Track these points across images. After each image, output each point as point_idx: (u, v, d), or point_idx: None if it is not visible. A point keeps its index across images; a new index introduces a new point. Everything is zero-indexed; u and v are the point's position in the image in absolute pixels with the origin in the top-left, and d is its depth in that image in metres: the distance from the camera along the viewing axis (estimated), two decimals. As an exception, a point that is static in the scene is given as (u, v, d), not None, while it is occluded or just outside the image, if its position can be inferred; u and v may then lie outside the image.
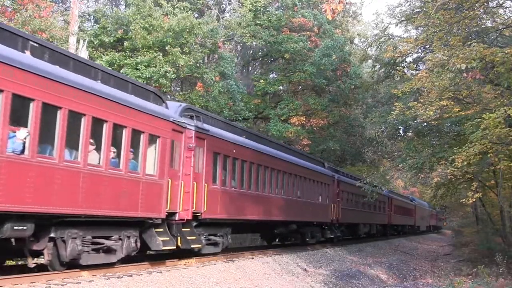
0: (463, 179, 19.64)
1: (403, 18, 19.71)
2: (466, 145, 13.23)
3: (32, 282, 9.12)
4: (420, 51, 20.14)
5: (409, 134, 23.56)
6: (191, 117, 14.06)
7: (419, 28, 19.01)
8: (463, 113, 15.14)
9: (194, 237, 13.84)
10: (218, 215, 14.97)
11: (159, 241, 12.23)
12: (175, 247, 12.91)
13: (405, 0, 19.51)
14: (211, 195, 14.44)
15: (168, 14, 24.75)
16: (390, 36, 22.98)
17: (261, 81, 33.09)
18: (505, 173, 18.30)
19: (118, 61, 22.60)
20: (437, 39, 14.79)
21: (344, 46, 31.70)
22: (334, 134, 33.24)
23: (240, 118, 28.85)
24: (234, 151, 16.09)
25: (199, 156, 14.03)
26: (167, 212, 12.52)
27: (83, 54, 19.83)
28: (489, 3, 15.52)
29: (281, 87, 34.08)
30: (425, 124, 19.70)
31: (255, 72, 38.74)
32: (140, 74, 21.81)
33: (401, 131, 24.52)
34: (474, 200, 16.36)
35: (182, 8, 25.32)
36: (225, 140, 15.69)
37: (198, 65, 24.45)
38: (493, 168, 17.34)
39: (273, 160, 19.43)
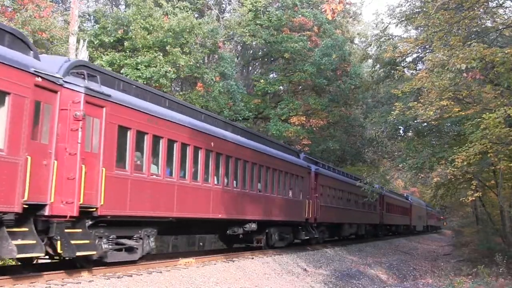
0: (463, 179, 19.64)
1: (403, 18, 19.70)
2: (466, 145, 13.23)
3: (32, 282, 9.12)
4: (420, 51, 20.13)
5: (409, 134, 23.56)
6: (83, 76, 10.28)
7: (419, 28, 19.01)
8: (463, 113, 15.13)
9: (86, 241, 10.20)
10: (127, 211, 11.23)
11: (12, 246, 8.42)
12: (43, 254, 9.42)
13: (405, 0, 19.50)
14: (115, 184, 10.79)
15: (168, 14, 24.75)
16: (390, 36, 22.97)
17: (261, 81, 33.09)
18: (505, 173, 18.30)
19: (118, 61, 22.60)
20: (437, 39, 14.78)
21: (344, 45, 31.68)
22: (334, 134, 33.23)
23: (240, 118, 28.84)
24: (156, 125, 12.28)
25: (93, 129, 10.30)
26: (26, 204, 8.75)
27: (83, 54, 19.84)
28: (489, 3, 15.52)
29: (281, 87, 34.09)
30: (425, 124, 19.69)
31: (255, 72, 38.74)
32: (140, 74, 21.81)
33: (401, 131, 24.51)
34: (473, 198, 16.36)
35: (182, 8, 25.32)
36: (141, 111, 11.75)
37: (198, 65, 24.46)
38: (493, 168, 17.34)
39: (221, 144, 15.54)
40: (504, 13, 16.95)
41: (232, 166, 16.40)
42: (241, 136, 17.73)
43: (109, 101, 10.76)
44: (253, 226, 17.59)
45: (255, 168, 18.03)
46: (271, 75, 35.66)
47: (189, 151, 13.81)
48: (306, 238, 23.11)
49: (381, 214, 38.13)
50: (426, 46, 18.44)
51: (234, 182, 16.45)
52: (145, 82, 21.67)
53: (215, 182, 15.26)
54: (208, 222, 15.62)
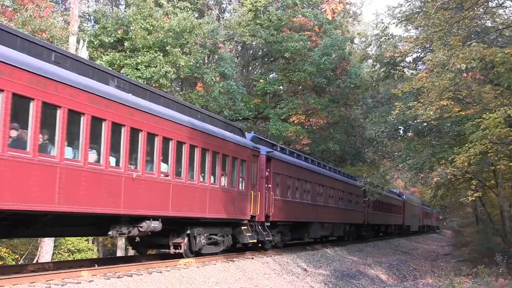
0: (463, 179, 19.67)
1: (403, 18, 19.71)
2: (466, 145, 13.24)
3: (32, 282, 9.12)
4: (420, 51, 20.16)
5: (409, 134, 23.56)
6: None
7: (419, 28, 19.02)
8: (463, 113, 15.15)
9: None
10: None
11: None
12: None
13: (405, 0, 19.51)
14: None
15: (168, 14, 24.76)
16: (390, 36, 22.98)
17: (261, 81, 33.11)
18: (505, 173, 18.33)
19: (118, 61, 22.61)
20: (437, 39, 14.80)
21: (344, 44, 31.70)
22: (334, 135, 33.24)
23: (240, 118, 28.87)
24: None
25: None
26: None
27: (83, 54, 19.85)
28: (489, 3, 15.53)
29: (281, 87, 34.09)
30: (425, 124, 19.72)
31: (255, 72, 38.76)
32: (141, 74, 21.82)
33: (401, 131, 24.52)
34: (473, 198, 16.38)
35: (182, 8, 25.33)
36: None
37: (198, 65, 24.46)
38: (493, 168, 17.36)
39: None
40: (504, 13, 16.97)
41: (120, 141, 11.28)
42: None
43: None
44: (155, 225, 12.37)
45: (156, 141, 12.33)
46: (271, 75, 35.68)
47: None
48: (251, 241, 17.29)
49: (367, 213, 33.13)
50: (426, 46, 18.47)
51: (114, 159, 11.24)
52: (145, 82, 21.69)
53: (69, 156, 9.93)
54: (67, 218, 10.71)
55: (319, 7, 32.58)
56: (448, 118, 16.53)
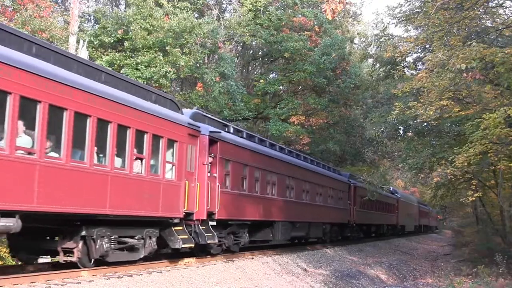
0: (463, 179, 19.67)
1: (403, 18, 19.72)
2: (466, 145, 13.25)
3: (32, 282, 9.12)
4: (420, 51, 20.17)
5: (409, 134, 23.57)
6: None
7: (419, 28, 19.03)
8: (463, 113, 15.16)
9: None
10: None
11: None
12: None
13: (405, 0, 19.51)
14: None
15: (168, 14, 24.76)
16: (390, 36, 23.00)
17: (261, 81, 33.12)
18: (505, 173, 18.33)
19: (118, 61, 22.61)
20: (437, 39, 14.80)
21: (344, 44, 31.71)
22: (334, 135, 33.25)
23: (240, 118, 28.88)
24: None
25: None
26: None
27: (83, 54, 19.85)
28: (489, 3, 15.53)
29: (281, 87, 34.10)
30: (425, 124, 19.73)
31: (255, 72, 38.77)
32: (141, 74, 21.82)
33: (401, 131, 24.53)
34: (473, 198, 16.39)
35: (182, 8, 25.33)
36: None
37: (198, 65, 24.46)
38: (493, 168, 17.36)
39: None
40: (504, 13, 16.97)
41: None
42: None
43: None
44: (5, 223, 8.51)
45: (8, 101, 8.52)
46: (271, 75, 35.69)
47: None
48: (185, 246, 13.51)
49: (353, 211, 29.73)
50: (426, 46, 18.47)
51: None
52: (145, 82, 21.69)
53: None
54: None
55: (319, 7, 32.58)
56: (448, 118, 16.55)
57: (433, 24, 15.24)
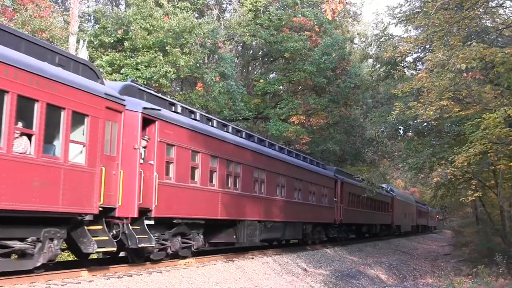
0: (463, 179, 19.67)
1: (403, 18, 19.71)
2: (466, 145, 13.25)
3: (32, 282, 9.12)
4: (420, 51, 20.16)
5: (409, 134, 23.57)
6: None
7: (419, 28, 19.02)
8: (463, 113, 15.16)
9: None
10: None
11: None
12: None
13: (405, 0, 19.52)
14: None
15: (168, 14, 24.76)
16: (390, 36, 22.99)
17: (261, 81, 33.13)
18: (505, 173, 18.33)
19: (118, 61, 22.61)
20: (437, 39, 14.80)
21: (344, 44, 31.72)
22: (334, 135, 33.26)
23: (240, 118, 28.88)
24: None
25: None
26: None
27: (83, 54, 19.85)
28: (489, 3, 15.53)
29: (281, 87, 34.11)
30: (425, 124, 19.72)
31: (255, 72, 38.77)
32: (141, 74, 21.82)
33: (401, 131, 24.53)
34: (473, 198, 16.39)
35: (182, 8, 25.33)
36: None
37: (198, 65, 24.47)
38: (493, 168, 17.36)
39: None
40: (504, 13, 16.97)
41: None
42: None
43: None
44: None
45: None
46: (271, 75, 35.69)
47: None
48: (102, 250, 10.86)
49: (340, 209, 26.92)
50: (426, 46, 18.47)
51: None
52: (145, 82, 21.69)
53: None
54: None
55: (319, 7, 32.59)
56: (448, 118, 16.55)
57: (433, 24, 15.24)
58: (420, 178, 27.07)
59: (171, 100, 14.73)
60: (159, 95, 14.31)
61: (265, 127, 32.76)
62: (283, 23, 30.93)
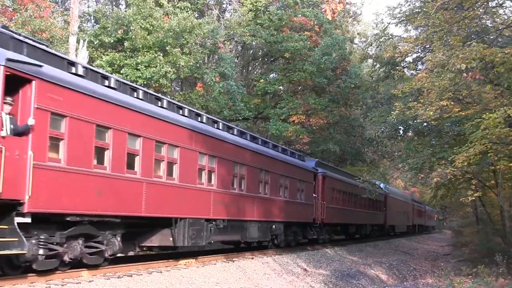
0: (463, 179, 19.68)
1: (403, 18, 19.72)
2: (466, 145, 13.25)
3: (32, 282, 9.12)
4: (420, 51, 20.16)
5: (409, 134, 23.57)
6: None
7: (419, 28, 19.03)
8: (463, 113, 15.17)
9: None
10: None
11: None
12: None
13: (405, 0, 19.52)
14: None
15: (168, 14, 24.76)
16: (390, 36, 22.99)
17: (261, 81, 33.14)
18: (505, 173, 18.33)
19: (118, 62, 22.60)
20: (437, 39, 14.80)
21: (344, 44, 31.74)
22: (334, 135, 33.27)
23: (240, 118, 28.88)
24: None
25: None
26: None
27: (83, 54, 19.86)
28: (489, 3, 15.53)
29: (281, 87, 34.13)
30: (425, 124, 19.72)
31: (255, 72, 38.78)
32: (141, 75, 21.82)
33: (401, 131, 24.53)
34: (473, 198, 16.39)
35: (182, 8, 25.34)
36: None
37: (198, 65, 24.47)
38: (493, 168, 17.37)
39: None
40: (504, 13, 16.98)
41: None
42: None
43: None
44: None
45: None
46: (271, 75, 35.71)
47: None
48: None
49: (321, 207, 23.90)
50: (426, 46, 18.47)
51: None
52: (145, 82, 21.70)
53: None
54: None
55: (319, 7, 32.60)
56: (448, 118, 16.55)
57: (433, 24, 15.24)
58: (420, 178, 27.04)
59: (70, 59, 11.54)
60: (53, 51, 10.83)
61: (265, 127, 32.76)
62: (284, 23, 30.95)
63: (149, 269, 12.01)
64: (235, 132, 17.57)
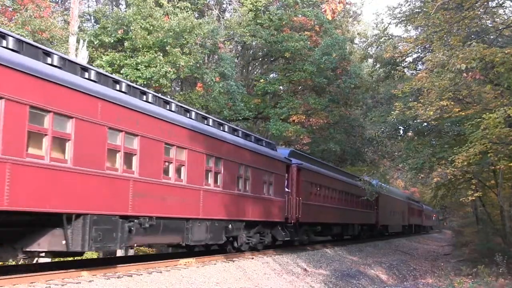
0: (463, 179, 19.68)
1: (403, 18, 19.73)
2: (466, 145, 13.26)
3: (32, 282, 9.12)
4: (420, 51, 20.18)
5: (409, 134, 23.58)
6: None
7: (419, 28, 19.05)
8: (463, 113, 15.17)
9: None
10: None
11: None
12: None
13: (405, 0, 19.53)
14: None
15: (168, 14, 24.77)
16: (390, 36, 23.01)
17: (261, 80, 33.14)
18: (505, 173, 18.34)
19: (118, 62, 22.61)
20: (437, 39, 14.82)
21: (344, 44, 31.74)
22: (334, 135, 33.28)
23: (240, 118, 28.89)
24: None
25: None
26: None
27: (83, 54, 19.86)
28: (489, 3, 15.54)
29: (281, 87, 34.14)
30: (425, 124, 19.73)
31: (255, 72, 38.79)
32: (140, 75, 21.82)
33: (401, 131, 24.54)
34: (473, 198, 16.40)
35: (182, 8, 25.34)
36: None
37: (198, 65, 24.48)
38: (493, 168, 17.37)
39: None
40: (504, 13, 16.99)
41: None
42: None
43: None
44: None
45: None
46: (271, 75, 35.72)
47: None
48: None
49: (295, 204, 20.47)
50: (426, 46, 18.48)
51: None
52: (145, 82, 21.70)
53: None
54: None
55: (320, 7, 32.62)
56: (448, 118, 16.55)
57: (433, 24, 15.26)
58: (420, 178, 27.03)
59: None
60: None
61: (265, 127, 32.76)
62: (284, 22, 30.96)
63: (149, 269, 12.01)
64: (173, 107, 13.76)
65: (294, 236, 21.23)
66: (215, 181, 15.28)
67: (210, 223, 14.87)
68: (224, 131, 16.36)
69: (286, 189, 20.35)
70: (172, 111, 13.61)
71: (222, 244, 16.55)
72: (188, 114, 14.62)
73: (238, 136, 17.28)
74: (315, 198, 23.11)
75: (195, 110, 15.50)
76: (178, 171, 13.37)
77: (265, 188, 18.65)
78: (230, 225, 16.20)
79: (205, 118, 15.66)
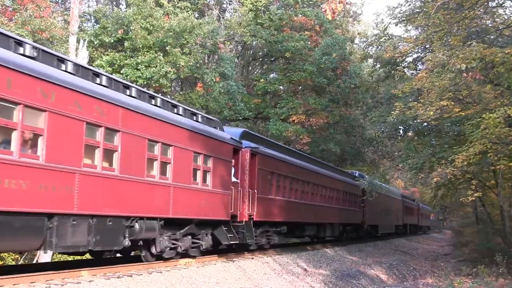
0: (463, 179, 19.68)
1: (403, 18, 19.74)
2: (466, 145, 13.26)
3: (32, 282, 9.12)
4: (420, 51, 20.19)
5: (409, 134, 23.58)
6: None
7: (419, 28, 19.05)
8: (463, 113, 15.17)
9: None
10: None
11: None
12: None
13: (405, 0, 19.54)
14: None
15: (168, 14, 24.78)
16: (390, 36, 23.01)
17: (261, 80, 33.15)
18: (505, 173, 18.34)
19: (118, 61, 22.62)
20: (437, 39, 14.82)
21: (344, 44, 31.76)
22: (334, 135, 33.29)
23: (240, 118, 28.89)
24: None
25: None
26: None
27: (83, 54, 19.86)
28: (489, 3, 15.54)
29: (281, 87, 34.16)
30: (425, 124, 19.73)
31: (255, 72, 38.81)
32: (141, 75, 21.82)
33: (401, 131, 24.54)
34: (473, 198, 16.40)
35: (183, 8, 25.36)
36: None
37: (198, 65, 24.49)
38: (493, 168, 17.37)
39: None
40: (504, 13, 17.00)
41: None
42: None
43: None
44: None
45: None
46: (271, 75, 35.74)
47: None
48: None
49: (248, 199, 16.24)
50: (426, 46, 18.49)
51: None
52: (145, 82, 21.71)
53: None
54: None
55: (320, 7, 32.63)
56: (448, 118, 16.56)
57: (433, 24, 15.26)
58: (420, 178, 27.02)
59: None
60: None
61: (265, 127, 32.77)
62: (284, 22, 30.98)
63: (149, 269, 12.01)
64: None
65: (249, 238, 16.58)
66: (107, 161, 10.64)
67: (95, 220, 10.30)
68: (132, 96, 11.72)
69: (234, 179, 15.89)
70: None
71: (130, 250, 12.72)
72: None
73: (157, 106, 12.57)
74: (277, 192, 18.66)
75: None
76: (34, 145, 8.85)
77: (199, 176, 13.98)
78: (136, 224, 11.58)
79: (117, 81, 11.62)
